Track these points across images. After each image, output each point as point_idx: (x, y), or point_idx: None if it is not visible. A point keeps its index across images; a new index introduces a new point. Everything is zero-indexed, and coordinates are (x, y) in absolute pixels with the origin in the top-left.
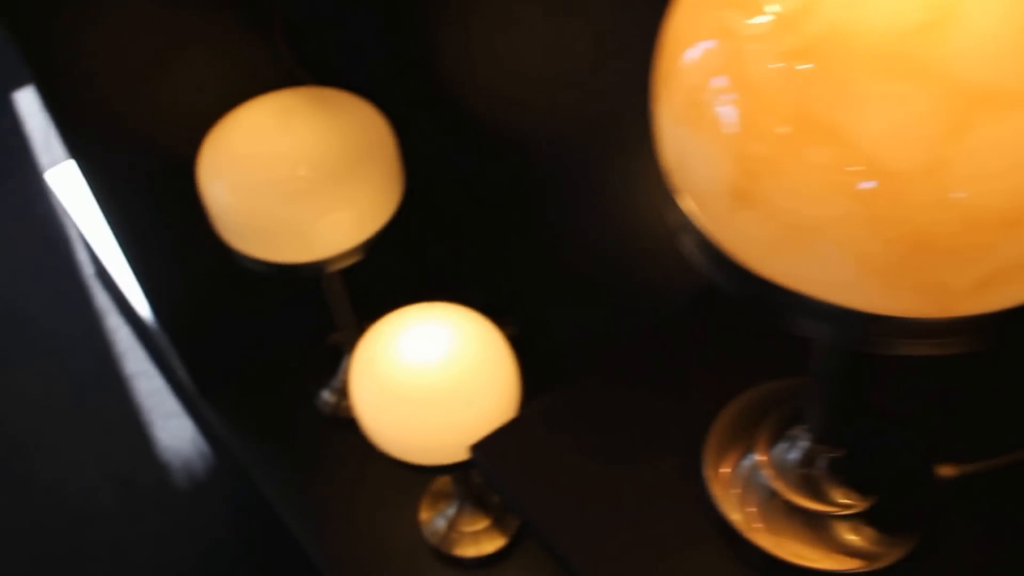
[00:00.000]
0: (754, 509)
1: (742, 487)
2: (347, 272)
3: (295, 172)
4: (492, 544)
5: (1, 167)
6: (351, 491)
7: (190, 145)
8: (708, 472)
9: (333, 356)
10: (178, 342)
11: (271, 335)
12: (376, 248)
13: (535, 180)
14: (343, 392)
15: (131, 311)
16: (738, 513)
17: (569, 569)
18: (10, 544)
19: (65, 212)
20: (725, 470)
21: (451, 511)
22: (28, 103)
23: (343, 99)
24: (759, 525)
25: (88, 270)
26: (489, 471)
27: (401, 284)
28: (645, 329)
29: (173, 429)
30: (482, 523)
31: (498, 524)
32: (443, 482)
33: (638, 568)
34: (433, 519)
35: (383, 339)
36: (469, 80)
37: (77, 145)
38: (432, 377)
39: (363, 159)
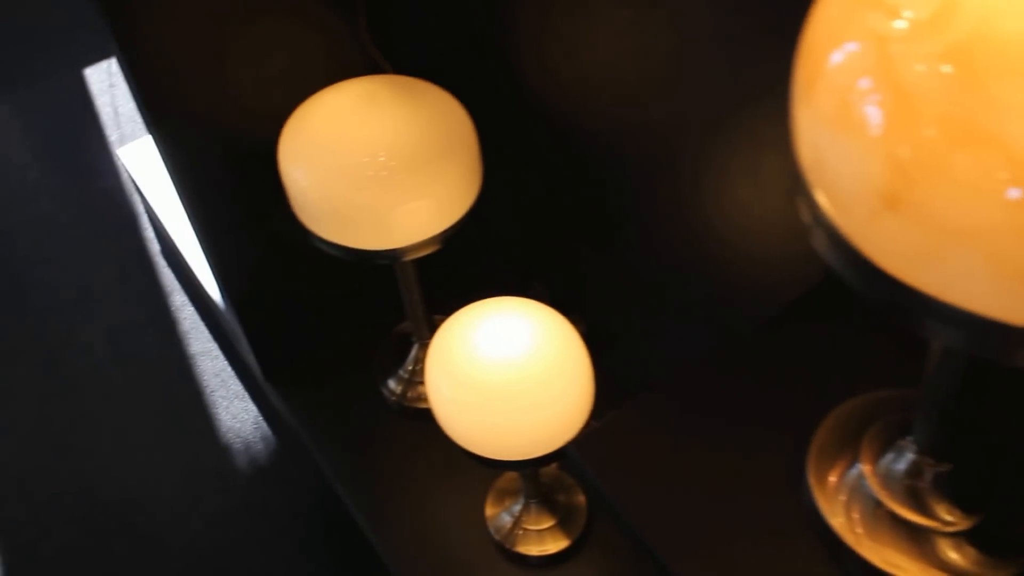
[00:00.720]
0: (857, 517)
1: (846, 494)
2: (419, 261)
3: (376, 158)
4: (556, 544)
5: (70, 143)
6: (416, 481)
7: (270, 127)
8: (811, 478)
9: (401, 345)
10: (246, 323)
11: (340, 321)
12: (452, 240)
13: (612, 180)
14: (410, 382)
15: (197, 290)
16: (841, 519)
17: (664, 570)
18: (67, 521)
19: (133, 190)
20: (829, 476)
21: (517, 508)
22: (98, 81)
23: (425, 88)
24: (861, 532)
25: (154, 248)
26: (585, 468)
27: (471, 276)
28: (746, 330)
29: (236, 411)
30: (547, 522)
31: (563, 525)
32: (510, 478)
33: (735, 570)
34: (498, 515)
35: (461, 331)
36: (549, 76)
37: (157, 120)
38: (513, 373)
39: (444, 149)
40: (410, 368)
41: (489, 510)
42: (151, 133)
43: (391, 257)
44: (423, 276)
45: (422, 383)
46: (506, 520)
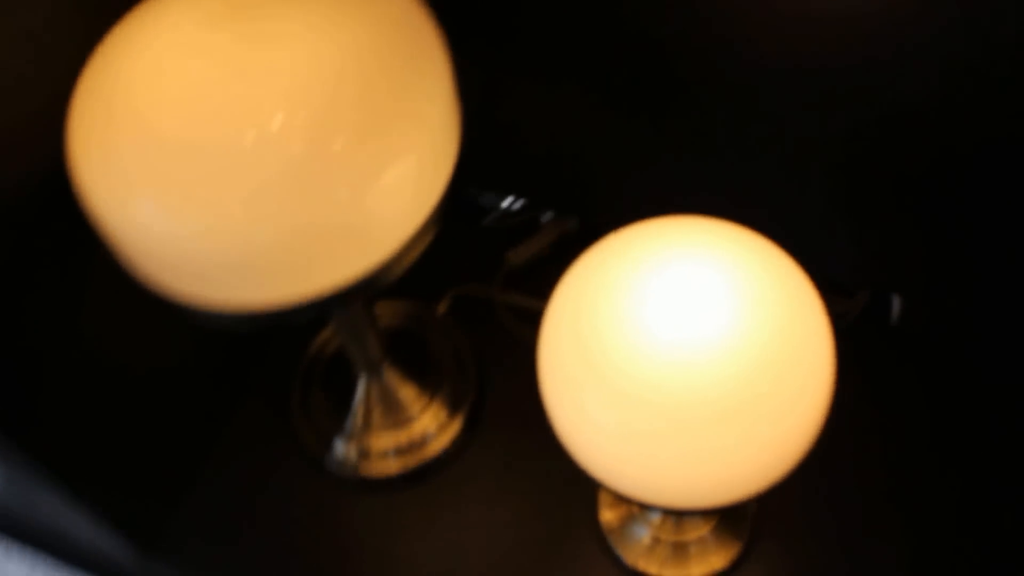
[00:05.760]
0: None
1: None
2: None
3: (267, 127)
4: (719, 557)
5: None
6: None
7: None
8: None
9: (331, 384)
10: (82, 490)
11: (214, 407)
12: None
13: None
14: (367, 430)
15: None
16: None
17: None
18: None
19: None
20: None
21: (654, 513)
22: None
23: None
24: None
25: None
26: None
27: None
28: None
29: None
30: (698, 529)
31: (724, 529)
32: None
33: None
34: (625, 526)
35: (616, 286)
36: None
37: None
38: (708, 368)
39: (393, 77)
40: (359, 413)
41: (607, 516)
42: None
43: (344, 298)
44: None
45: (390, 428)
46: (640, 535)
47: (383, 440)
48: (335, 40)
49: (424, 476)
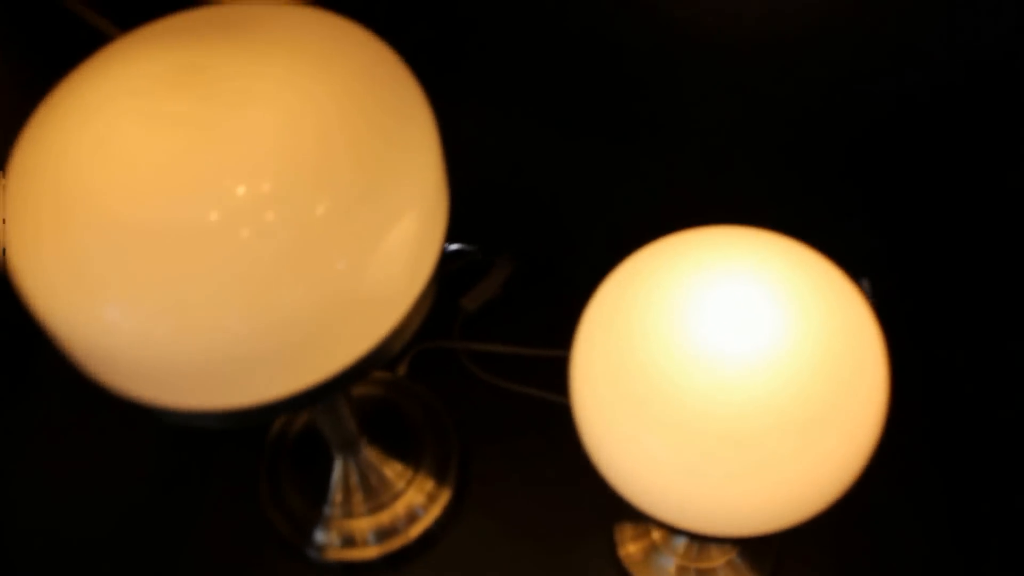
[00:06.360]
0: None
1: None
2: None
3: (229, 193)
4: None
5: None
6: None
7: None
8: None
9: (302, 469)
10: None
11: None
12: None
13: None
14: (348, 513)
15: None
16: None
17: None
18: None
19: None
20: None
21: (678, 540)
22: None
23: (298, 21)
24: None
25: None
26: None
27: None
28: None
29: None
30: (723, 555)
31: (749, 553)
32: None
33: None
34: (650, 557)
35: (663, 303)
36: None
37: None
38: (760, 380)
39: (381, 135)
40: (338, 496)
41: (629, 549)
42: None
43: (335, 387)
44: None
45: (375, 509)
46: (665, 565)
47: (367, 522)
48: (305, 98)
49: (420, 552)
